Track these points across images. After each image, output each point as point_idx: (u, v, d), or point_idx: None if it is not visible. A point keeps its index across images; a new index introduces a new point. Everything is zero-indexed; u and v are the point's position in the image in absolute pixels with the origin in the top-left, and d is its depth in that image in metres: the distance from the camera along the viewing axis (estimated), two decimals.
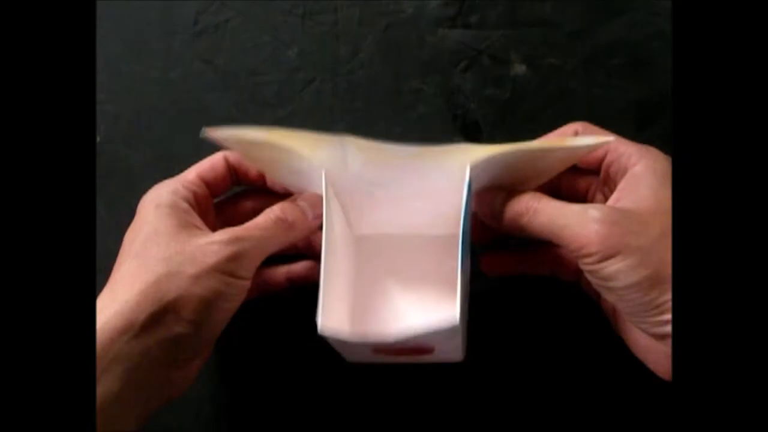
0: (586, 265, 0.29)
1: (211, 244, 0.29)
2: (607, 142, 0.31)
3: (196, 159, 0.34)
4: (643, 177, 0.30)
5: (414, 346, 0.31)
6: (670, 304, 0.27)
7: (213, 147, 0.31)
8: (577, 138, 0.32)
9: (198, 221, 0.31)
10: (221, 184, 0.34)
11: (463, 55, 0.38)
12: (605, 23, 0.38)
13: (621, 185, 0.30)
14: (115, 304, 0.27)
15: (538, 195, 0.31)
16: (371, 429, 0.37)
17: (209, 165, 0.34)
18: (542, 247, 0.34)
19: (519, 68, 0.38)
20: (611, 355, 0.34)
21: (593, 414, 0.36)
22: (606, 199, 0.32)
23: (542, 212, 0.30)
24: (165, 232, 0.30)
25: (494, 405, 0.37)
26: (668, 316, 0.27)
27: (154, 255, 0.29)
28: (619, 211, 0.28)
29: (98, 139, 0.40)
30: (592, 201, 0.34)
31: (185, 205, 0.32)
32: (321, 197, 0.31)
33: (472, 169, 0.29)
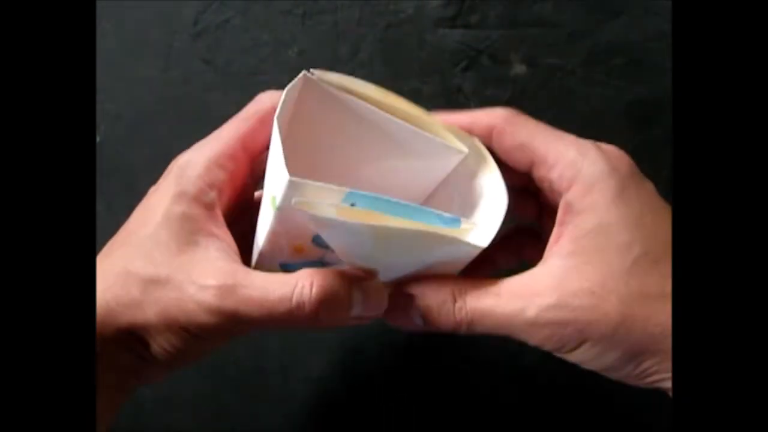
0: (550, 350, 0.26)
1: (189, 299, 0.24)
2: (477, 248, 0.25)
3: None
4: (586, 215, 0.25)
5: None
6: (651, 369, 0.25)
7: None
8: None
9: (213, 224, 0.26)
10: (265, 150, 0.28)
11: (463, 55, 0.38)
12: (605, 23, 0.38)
13: (559, 219, 0.26)
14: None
15: (471, 293, 0.25)
16: (371, 428, 0.37)
17: (255, 125, 0.28)
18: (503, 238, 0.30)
19: (519, 68, 0.38)
20: None
21: (593, 416, 0.36)
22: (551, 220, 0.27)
23: (484, 320, 0.25)
24: (161, 250, 0.25)
25: (493, 407, 0.37)
26: (651, 378, 0.25)
27: (139, 272, 0.25)
28: (566, 305, 0.24)
29: (98, 139, 0.40)
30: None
31: (211, 196, 0.26)
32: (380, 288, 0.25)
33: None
